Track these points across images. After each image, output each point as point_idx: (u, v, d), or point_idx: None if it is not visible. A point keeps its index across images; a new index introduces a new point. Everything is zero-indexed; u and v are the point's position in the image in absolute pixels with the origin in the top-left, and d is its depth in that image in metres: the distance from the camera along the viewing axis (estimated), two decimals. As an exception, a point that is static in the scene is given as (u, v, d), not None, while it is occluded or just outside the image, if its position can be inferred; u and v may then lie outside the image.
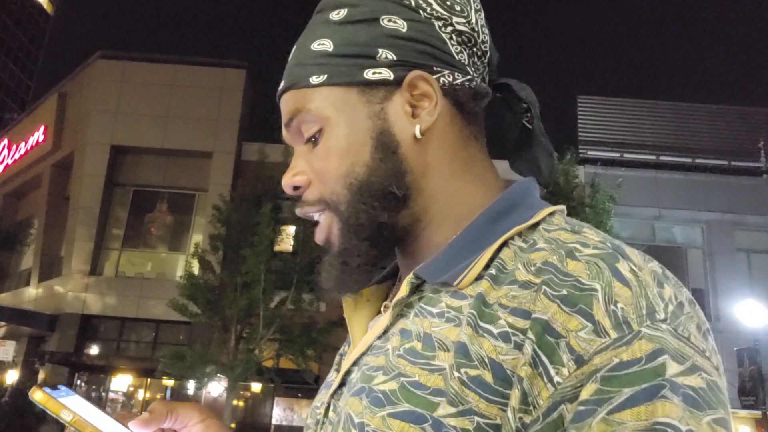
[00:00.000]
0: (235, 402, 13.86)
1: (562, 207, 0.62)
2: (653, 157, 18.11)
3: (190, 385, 14.01)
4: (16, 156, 21.15)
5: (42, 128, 19.66)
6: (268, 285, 11.62)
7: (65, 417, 0.56)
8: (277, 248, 12.46)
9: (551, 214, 0.61)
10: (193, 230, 17.73)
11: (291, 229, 12.88)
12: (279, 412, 16.24)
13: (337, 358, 0.74)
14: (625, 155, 17.96)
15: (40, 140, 19.68)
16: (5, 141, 22.15)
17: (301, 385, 14.56)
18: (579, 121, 18.38)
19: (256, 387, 15.90)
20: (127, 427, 0.60)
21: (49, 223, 18.84)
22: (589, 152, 17.70)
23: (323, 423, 0.64)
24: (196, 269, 12.41)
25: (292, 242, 12.71)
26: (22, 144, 20.73)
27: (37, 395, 0.57)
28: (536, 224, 0.59)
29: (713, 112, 19.00)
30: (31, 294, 18.29)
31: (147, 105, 17.67)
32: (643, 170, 17.42)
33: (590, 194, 13.25)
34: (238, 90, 17.92)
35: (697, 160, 18.07)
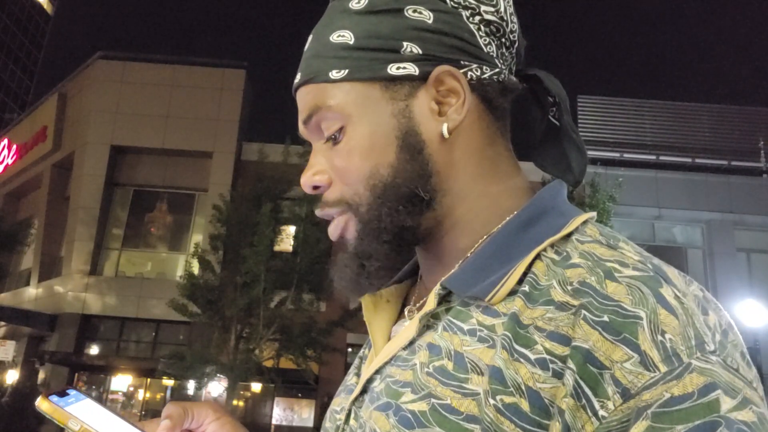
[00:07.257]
0: (235, 402, 13.85)
1: (593, 214, 0.59)
2: (653, 157, 18.10)
3: (190, 385, 13.99)
4: (16, 156, 21.16)
5: (42, 128, 19.66)
6: (268, 285, 11.61)
7: (73, 427, 0.54)
8: (277, 248, 12.46)
9: (584, 222, 0.57)
10: (193, 230, 17.74)
11: (291, 229, 12.87)
12: (279, 412, 16.23)
13: (356, 361, 0.71)
14: (626, 155, 17.94)
15: (40, 140, 19.69)
16: (5, 141, 22.15)
17: (301, 385, 14.56)
18: (579, 120, 18.34)
19: (256, 387, 15.90)
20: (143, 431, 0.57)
21: (49, 223, 18.83)
22: (590, 152, 17.08)
23: (343, 429, 0.62)
24: (196, 269, 12.40)
25: (292, 242, 12.69)
26: (22, 144, 20.74)
27: (44, 406, 0.54)
28: (569, 234, 0.55)
29: (713, 112, 18.99)
30: (31, 294, 18.29)
31: (147, 105, 17.67)
32: (644, 170, 17.41)
33: (590, 194, 13.23)
34: (238, 90, 17.92)
35: (698, 160, 18.05)
